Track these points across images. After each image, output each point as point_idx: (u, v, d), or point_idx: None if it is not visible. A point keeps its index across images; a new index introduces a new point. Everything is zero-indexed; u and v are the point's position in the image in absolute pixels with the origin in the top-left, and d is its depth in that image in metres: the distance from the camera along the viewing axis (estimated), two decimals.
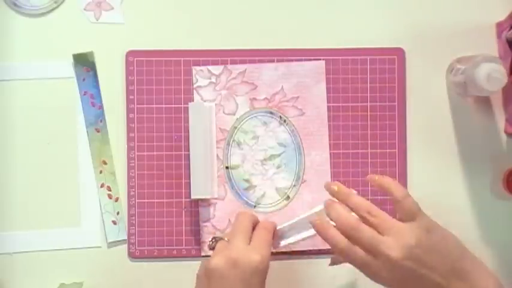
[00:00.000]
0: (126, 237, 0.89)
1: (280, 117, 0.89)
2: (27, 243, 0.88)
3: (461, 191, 0.89)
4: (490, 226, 0.89)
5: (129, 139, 0.89)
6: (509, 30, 0.86)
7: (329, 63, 0.89)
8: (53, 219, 0.89)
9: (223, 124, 0.89)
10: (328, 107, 0.89)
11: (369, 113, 0.89)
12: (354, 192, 0.77)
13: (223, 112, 0.89)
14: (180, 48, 0.89)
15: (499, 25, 0.89)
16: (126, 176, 0.89)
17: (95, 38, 0.89)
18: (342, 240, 0.73)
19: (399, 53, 0.90)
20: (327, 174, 0.89)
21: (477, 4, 0.90)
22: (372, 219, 0.73)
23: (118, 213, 0.89)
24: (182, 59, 0.89)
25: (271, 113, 0.89)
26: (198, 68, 0.89)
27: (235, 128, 0.89)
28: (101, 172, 0.89)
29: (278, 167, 0.89)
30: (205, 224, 0.89)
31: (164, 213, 0.89)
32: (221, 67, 0.89)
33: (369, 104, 0.89)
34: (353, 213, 0.76)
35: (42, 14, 0.89)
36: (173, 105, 0.89)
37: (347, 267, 0.75)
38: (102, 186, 0.89)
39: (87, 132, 0.89)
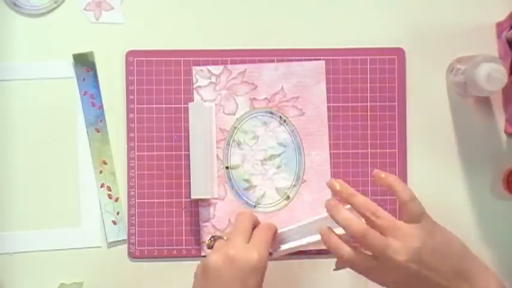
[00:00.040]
0: (126, 237, 0.89)
1: (280, 117, 0.89)
2: (27, 243, 0.88)
3: (461, 191, 0.89)
4: (490, 226, 0.89)
5: (129, 139, 0.89)
6: (509, 30, 0.86)
7: (329, 63, 0.89)
8: (53, 219, 0.89)
9: (223, 124, 0.89)
10: (328, 107, 0.89)
11: (369, 113, 0.89)
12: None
13: (223, 112, 0.89)
14: (180, 48, 0.89)
15: (499, 25, 0.89)
16: (126, 176, 0.89)
17: (95, 38, 0.89)
18: (346, 250, 0.74)
19: (399, 53, 0.90)
20: (327, 174, 0.89)
21: (477, 4, 0.90)
22: (377, 220, 0.73)
23: (118, 213, 0.89)
24: (182, 59, 0.89)
25: (271, 113, 0.89)
26: (198, 68, 0.89)
27: (235, 128, 0.89)
28: (101, 172, 0.89)
29: (278, 167, 0.89)
30: (205, 224, 0.89)
31: (164, 213, 0.89)
32: (221, 67, 0.89)
33: (369, 104, 0.89)
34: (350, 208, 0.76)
35: (42, 14, 0.89)
36: (173, 105, 0.89)
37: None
38: (102, 186, 0.89)
39: (87, 132, 0.89)
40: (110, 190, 0.89)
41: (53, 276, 0.88)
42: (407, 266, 0.72)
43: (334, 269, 0.80)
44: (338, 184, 0.78)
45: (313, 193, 0.89)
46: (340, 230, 0.76)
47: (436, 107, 0.90)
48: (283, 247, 0.82)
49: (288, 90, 0.89)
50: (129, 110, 0.89)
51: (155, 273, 0.89)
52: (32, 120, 0.89)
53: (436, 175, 0.89)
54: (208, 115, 0.88)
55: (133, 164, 0.89)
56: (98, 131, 0.89)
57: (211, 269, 0.75)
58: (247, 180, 0.89)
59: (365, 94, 0.89)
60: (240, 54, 0.89)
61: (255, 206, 0.89)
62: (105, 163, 0.89)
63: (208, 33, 0.90)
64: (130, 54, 0.89)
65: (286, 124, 0.89)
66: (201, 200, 0.88)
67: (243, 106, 0.89)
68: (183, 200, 0.89)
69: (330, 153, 0.89)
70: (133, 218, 0.89)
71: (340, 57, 0.89)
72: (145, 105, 0.89)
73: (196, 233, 0.89)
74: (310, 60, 0.89)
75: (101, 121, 0.89)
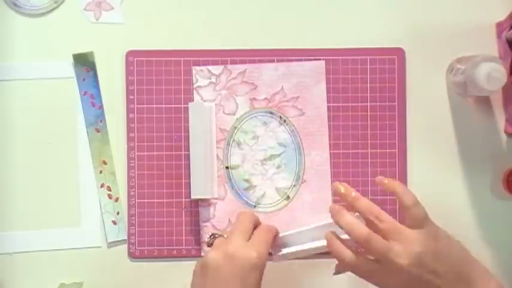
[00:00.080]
0: (126, 237, 0.89)
1: (280, 117, 0.89)
2: (27, 243, 0.88)
3: (461, 191, 0.89)
4: (490, 226, 0.89)
5: (129, 139, 0.89)
6: (509, 30, 0.86)
7: (329, 63, 0.89)
8: (53, 219, 0.89)
9: (223, 124, 0.89)
10: (328, 107, 0.89)
11: (369, 113, 0.89)
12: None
13: (223, 112, 0.89)
14: (180, 48, 0.89)
15: (499, 25, 0.89)
16: (126, 176, 0.89)
17: (95, 38, 0.89)
18: (347, 253, 0.75)
19: (399, 53, 0.90)
20: (327, 174, 0.89)
21: (477, 4, 0.90)
22: (380, 224, 0.74)
23: (118, 213, 0.89)
24: (182, 59, 0.89)
25: (271, 113, 0.89)
26: (198, 68, 0.89)
27: (235, 128, 0.89)
28: (101, 172, 0.89)
29: (278, 167, 0.89)
30: (205, 224, 0.89)
31: (164, 213, 0.89)
32: (221, 67, 0.89)
33: (369, 104, 0.89)
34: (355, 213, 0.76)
35: (42, 14, 0.89)
36: (173, 105, 0.89)
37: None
38: (102, 186, 0.89)
39: (87, 132, 0.89)
40: (110, 190, 0.89)
41: (53, 276, 0.88)
42: (409, 270, 0.73)
43: (334, 273, 0.80)
44: (343, 187, 0.79)
45: (313, 193, 0.89)
46: (345, 237, 0.76)
47: (436, 107, 0.90)
48: (285, 250, 0.82)
49: (288, 90, 0.89)
50: (129, 110, 0.89)
51: (155, 273, 0.89)
52: (32, 120, 0.89)
53: (436, 175, 0.89)
54: (208, 115, 0.88)
55: (133, 164, 0.89)
56: (98, 131, 0.89)
57: (210, 266, 0.75)
58: (247, 180, 0.89)
59: (365, 94, 0.89)
60: (240, 54, 0.89)
61: (255, 206, 0.89)
62: (105, 163, 0.89)
63: (208, 33, 0.90)
64: (130, 54, 0.89)
65: (286, 124, 0.89)
66: (201, 200, 0.88)
67: (243, 106, 0.89)
68: (183, 200, 0.89)
69: (330, 153, 0.89)
70: (133, 218, 0.89)
71: (340, 57, 0.89)
72: (145, 105, 0.89)
73: (196, 233, 0.89)
74: (310, 60, 0.89)
75: (101, 121, 0.89)
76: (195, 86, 0.89)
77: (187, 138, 0.88)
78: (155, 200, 0.89)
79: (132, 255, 0.89)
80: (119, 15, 0.90)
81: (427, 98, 0.90)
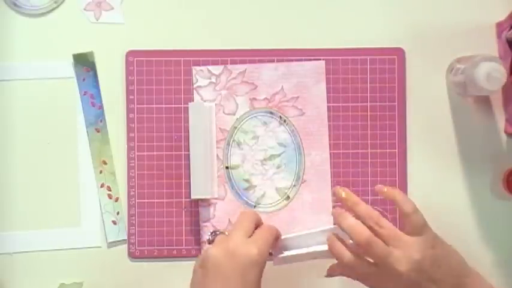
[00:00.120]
0: (126, 237, 0.89)
1: (280, 117, 0.89)
2: (27, 243, 0.88)
3: (461, 191, 0.89)
4: (490, 226, 0.89)
5: (129, 139, 0.89)
6: (509, 30, 0.86)
7: (329, 63, 0.89)
8: (53, 219, 0.89)
9: (223, 124, 0.89)
10: (328, 107, 0.89)
11: (369, 113, 0.89)
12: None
13: (223, 112, 0.89)
14: (180, 48, 0.89)
15: (499, 25, 0.89)
16: (126, 176, 0.89)
17: (95, 38, 0.89)
18: (347, 254, 0.76)
19: (399, 53, 0.90)
20: (327, 174, 0.89)
21: (477, 4, 0.90)
22: (380, 230, 0.75)
23: (118, 213, 0.89)
24: (182, 59, 0.89)
25: (271, 113, 0.89)
26: (198, 68, 0.89)
27: (235, 128, 0.89)
28: (101, 172, 0.89)
29: (278, 167, 0.89)
30: (205, 224, 0.89)
31: (164, 213, 0.89)
32: (221, 67, 0.89)
33: (369, 104, 0.89)
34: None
35: (42, 14, 0.89)
36: (173, 105, 0.89)
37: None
38: (102, 186, 0.89)
39: (87, 132, 0.89)
40: (110, 190, 0.89)
41: (53, 276, 0.88)
42: (408, 276, 0.74)
43: (325, 275, 0.81)
44: (344, 192, 0.80)
45: (313, 193, 0.89)
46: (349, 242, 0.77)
47: (436, 107, 0.90)
48: (287, 253, 0.82)
49: (288, 90, 0.89)
50: (129, 110, 0.89)
51: (155, 273, 0.89)
52: (32, 120, 0.89)
53: (436, 175, 0.89)
54: (208, 115, 0.88)
55: (133, 164, 0.89)
56: (98, 131, 0.89)
57: (210, 262, 0.75)
58: (247, 180, 0.89)
59: (365, 94, 0.89)
60: (240, 54, 0.89)
61: (255, 206, 0.89)
62: (105, 163, 0.89)
63: (208, 33, 0.90)
64: (130, 54, 0.89)
65: (286, 124, 0.89)
66: (201, 200, 0.88)
67: (243, 106, 0.89)
68: (183, 200, 0.89)
69: (330, 153, 0.89)
70: (134, 218, 0.89)
71: (340, 57, 0.89)
72: (145, 105, 0.89)
73: (196, 233, 0.89)
74: (310, 60, 0.89)
75: (101, 121, 0.89)
76: (195, 86, 0.89)
77: (187, 138, 0.88)
78: (155, 200, 0.89)
79: (132, 255, 0.89)
80: (119, 15, 0.90)
81: (427, 98, 0.90)
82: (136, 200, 0.89)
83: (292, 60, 0.89)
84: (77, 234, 0.89)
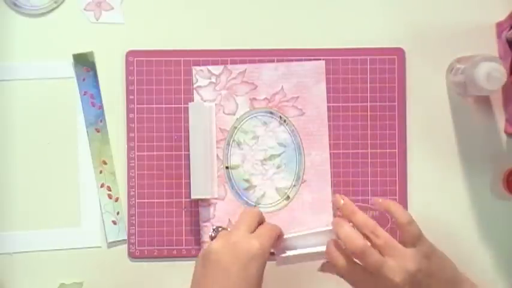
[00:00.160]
0: (126, 237, 0.89)
1: (280, 117, 0.89)
2: (27, 243, 0.88)
3: (461, 191, 0.89)
4: (490, 226, 0.89)
5: (129, 139, 0.89)
6: (509, 30, 0.86)
7: (329, 63, 0.89)
8: (53, 219, 0.89)
9: (223, 124, 0.89)
10: (328, 107, 0.89)
11: (369, 113, 0.89)
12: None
13: (223, 112, 0.89)
14: (180, 48, 0.89)
15: (499, 25, 0.89)
16: (126, 176, 0.89)
17: (95, 38, 0.89)
18: (340, 258, 0.76)
19: (399, 53, 0.90)
20: (327, 174, 0.89)
21: (477, 4, 0.90)
22: (375, 239, 0.76)
23: (118, 213, 0.89)
24: (182, 59, 0.89)
25: (271, 113, 0.89)
26: (198, 68, 0.89)
27: (235, 128, 0.89)
28: (101, 172, 0.89)
29: (278, 167, 0.89)
30: (205, 224, 0.89)
31: (164, 213, 0.89)
32: (221, 67, 0.89)
33: (369, 104, 0.89)
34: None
35: (42, 14, 0.89)
36: (173, 105, 0.89)
37: None
38: (102, 186, 0.89)
39: (87, 132, 0.89)
40: (110, 190, 0.89)
41: (53, 276, 0.88)
42: (404, 285, 0.74)
43: (318, 270, 0.81)
44: (343, 200, 0.80)
45: (313, 193, 0.89)
46: None
47: (436, 107, 0.90)
48: (289, 253, 0.82)
49: (288, 90, 0.89)
50: (129, 110, 0.89)
51: (155, 273, 0.89)
52: (32, 120, 0.89)
53: (436, 175, 0.89)
54: (208, 115, 0.88)
55: (133, 164, 0.89)
56: (98, 131, 0.89)
57: (212, 254, 0.75)
58: (247, 180, 0.89)
59: (365, 94, 0.89)
60: (240, 54, 0.89)
61: (255, 206, 0.89)
62: (105, 163, 0.89)
63: (208, 33, 0.90)
64: (130, 54, 0.89)
65: (286, 124, 0.89)
66: (201, 200, 0.88)
67: (243, 106, 0.89)
68: (183, 200, 0.89)
69: (330, 153, 0.89)
70: (134, 218, 0.89)
71: (340, 57, 0.89)
72: (145, 105, 0.89)
73: (196, 233, 0.89)
74: (310, 60, 0.89)
75: (101, 121, 0.89)
76: (195, 86, 0.89)
77: (187, 138, 0.88)
78: (155, 200, 0.89)
79: (132, 255, 0.89)
80: (119, 15, 0.90)
81: (427, 98, 0.90)
82: (136, 200, 0.89)
83: (292, 60, 0.89)
84: (77, 234, 0.89)
